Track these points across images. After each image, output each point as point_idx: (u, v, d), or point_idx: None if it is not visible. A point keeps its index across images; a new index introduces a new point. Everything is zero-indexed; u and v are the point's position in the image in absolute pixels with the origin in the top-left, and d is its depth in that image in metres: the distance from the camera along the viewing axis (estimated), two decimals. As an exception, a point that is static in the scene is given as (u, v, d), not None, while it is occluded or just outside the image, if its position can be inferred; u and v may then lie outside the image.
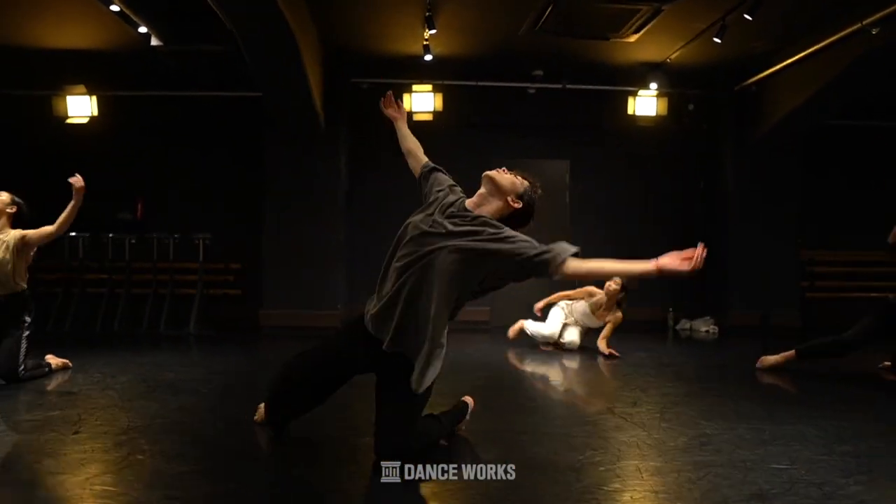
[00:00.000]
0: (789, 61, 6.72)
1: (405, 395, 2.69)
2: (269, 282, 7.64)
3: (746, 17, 5.55)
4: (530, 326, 6.24)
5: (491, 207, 2.83)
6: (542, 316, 6.30)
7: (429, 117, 7.69)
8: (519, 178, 2.92)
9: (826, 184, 8.55)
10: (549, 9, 5.56)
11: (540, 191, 2.95)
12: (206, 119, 7.98)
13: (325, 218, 7.68)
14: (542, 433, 3.38)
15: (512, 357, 5.99)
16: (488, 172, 2.88)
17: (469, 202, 2.86)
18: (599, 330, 5.98)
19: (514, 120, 8.24)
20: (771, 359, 5.18)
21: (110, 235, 7.66)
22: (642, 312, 7.65)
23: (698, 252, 2.45)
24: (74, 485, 2.50)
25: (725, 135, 8.27)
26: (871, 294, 8.41)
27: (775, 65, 6.97)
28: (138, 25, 6.06)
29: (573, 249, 2.67)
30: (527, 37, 6.49)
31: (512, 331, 6.31)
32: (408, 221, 2.84)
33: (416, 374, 2.67)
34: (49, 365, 4.69)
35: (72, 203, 4.42)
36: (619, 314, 5.96)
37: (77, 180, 4.43)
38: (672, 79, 7.72)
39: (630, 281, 5.76)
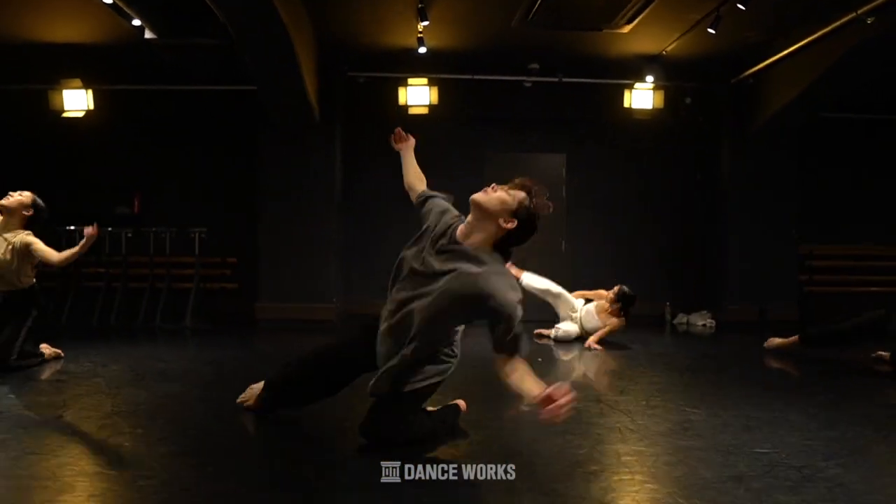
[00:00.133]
0: (784, 53, 6.68)
1: (395, 394, 2.73)
2: (264, 276, 7.65)
3: (739, 6, 5.52)
4: (526, 279, 6.18)
5: (481, 235, 2.66)
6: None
7: (424, 111, 7.68)
8: (511, 191, 2.68)
9: (825, 177, 8.49)
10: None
11: (539, 197, 2.70)
12: (203, 113, 7.98)
13: (321, 212, 7.68)
14: (522, 420, 3.33)
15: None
16: (474, 197, 2.68)
17: (460, 231, 2.71)
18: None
19: (510, 114, 8.21)
20: (777, 340, 5.46)
21: (108, 229, 7.67)
22: (639, 307, 7.60)
23: (562, 408, 2.25)
24: (52, 465, 2.51)
25: (723, 128, 8.22)
26: (871, 288, 8.39)
27: (770, 57, 6.93)
28: (132, 18, 6.06)
29: (524, 353, 2.62)
30: (520, 29, 6.47)
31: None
32: (402, 255, 2.82)
33: (377, 377, 2.74)
34: (42, 354, 4.71)
35: (81, 244, 4.34)
36: (617, 321, 6.03)
37: (91, 230, 4.32)
38: (668, 72, 7.68)
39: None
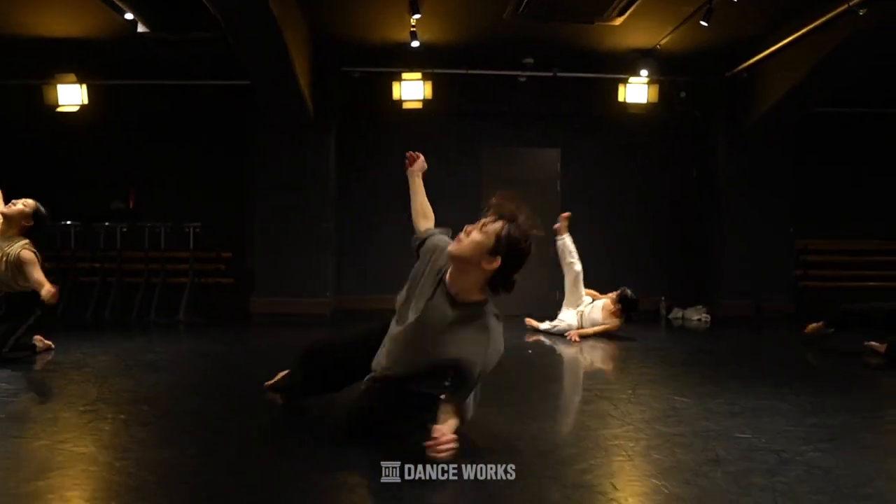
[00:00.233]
0: (777, 46, 6.66)
1: (385, 391, 2.70)
2: (259, 270, 7.66)
3: (731, -2, 5.52)
4: (567, 239, 6.21)
5: (467, 282, 2.56)
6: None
7: (418, 105, 7.68)
8: (487, 227, 2.50)
9: (821, 172, 8.48)
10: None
11: (521, 218, 2.51)
12: (197, 108, 8.00)
13: (315, 207, 7.69)
14: (505, 402, 3.31)
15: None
16: (448, 249, 2.58)
17: (448, 280, 2.61)
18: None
19: (505, 108, 8.21)
20: (813, 326, 5.45)
21: (105, 224, 7.69)
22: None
23: (441, 448, 2.30)
24: (36, 448, 2.52)
25: (717, 122, 8.22)
26: (868, 283, 8.37)
27: (764, 50, 6.92)
28: (124, 12, 6.08)
29: (471, 407, 2.66)
30: (513, 22, 6.47)
31: None
32: (399, 297, 2.75)
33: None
34: (34, 346, 4.72)
35: (48, 295, 4.26)
36: (616, 321, 6.04)
37: (51, 295, 4.27)
38: (663, 66, 7.67)
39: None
